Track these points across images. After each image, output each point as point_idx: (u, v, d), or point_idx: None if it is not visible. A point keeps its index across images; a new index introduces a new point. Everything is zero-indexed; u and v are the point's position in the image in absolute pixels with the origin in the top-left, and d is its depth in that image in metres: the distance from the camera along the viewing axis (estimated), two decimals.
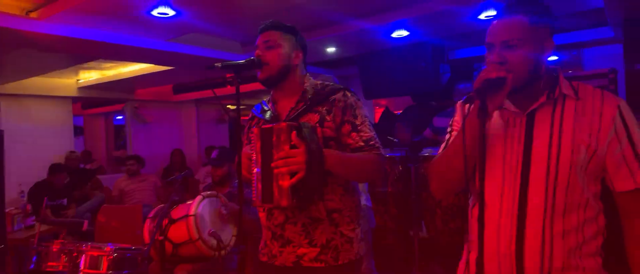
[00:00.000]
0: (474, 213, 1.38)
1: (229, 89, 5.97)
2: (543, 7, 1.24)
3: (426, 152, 3.76)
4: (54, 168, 5.36)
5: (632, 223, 1.22)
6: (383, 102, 8.15)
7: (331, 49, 4.95)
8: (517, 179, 1.24)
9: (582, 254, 1.23)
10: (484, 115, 1.13)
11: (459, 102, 1.43)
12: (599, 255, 1.26)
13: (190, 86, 7.54)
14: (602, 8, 3.33)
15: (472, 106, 1.29)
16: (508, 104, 1.29)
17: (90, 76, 6.78)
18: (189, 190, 5.83)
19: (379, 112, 7.61)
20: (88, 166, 7.61)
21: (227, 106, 8.81)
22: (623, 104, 1.22)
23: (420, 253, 3.57)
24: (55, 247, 2.53)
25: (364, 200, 2.68)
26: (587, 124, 1.20)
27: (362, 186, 2.62)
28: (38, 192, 5.07)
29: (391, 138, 3.90)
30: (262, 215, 1.82)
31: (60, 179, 5.32)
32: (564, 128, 1.21)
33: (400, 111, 5.66)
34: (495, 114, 1.32)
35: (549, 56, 1.25)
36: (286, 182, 1.50)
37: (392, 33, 4.25)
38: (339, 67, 6.40)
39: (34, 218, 4.17)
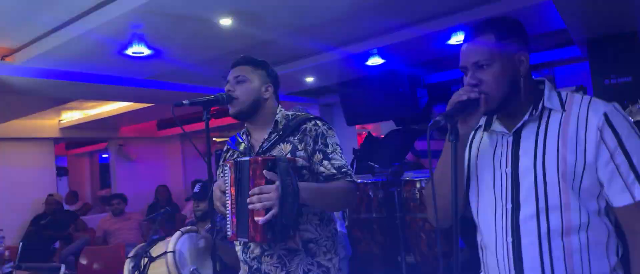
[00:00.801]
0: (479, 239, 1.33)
1: (214, 122, 5.95)
2: (509, 24, 1.22)
3: (407, 176, 3.78)
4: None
5: (634, 241, 1.12)
6: (369, 126, 8.24)
7: (310, 79, 5.04)
8: (507, 203, 1.19)
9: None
10: (455, 138, 1.09)
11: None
12: None
13: (179, 120, 7.52)
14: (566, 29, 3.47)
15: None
16: (496, 125, 1.26)
17: (72, 116, 6.77)
18: (177, 226, 5.75)
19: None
20: (72, 207, 7.50)
21: (214, 139, 8.80)
22: (611, 110, 1.12)
23: None
24: None
25: (338, 226, 2.65)
26: (572, 137, 1.13)
27: (336, 214, 2.62)
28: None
29: (372, 164, 3.93)
30: (238, 249, 1.81)
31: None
32: (547, 144, 1.15)
33: (383, 136, 5.73)
34: (485, 136, 1.30)
35: (527, 69, 1.20)
36: (261, 218, 1.50)
37: (367, 61, 4.36)
38: (321, 96, 6.50)
39: (12, 263, 4.07)
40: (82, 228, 6.50)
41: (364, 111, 5.26)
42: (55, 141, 7.19)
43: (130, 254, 2.90)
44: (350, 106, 5.35)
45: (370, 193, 3.94)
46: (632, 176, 1.09)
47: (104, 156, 10.98)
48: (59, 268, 3.27)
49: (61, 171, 9.46)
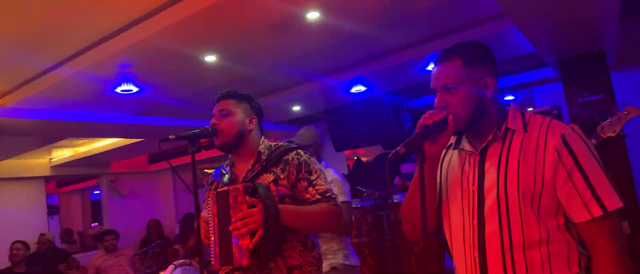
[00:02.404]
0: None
1: (205, 153, 5.99)
2: (477, 49, 1.27)
3: (395, 198, 3.86)
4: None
5: (595, 257, 1.16)
6: (360, 151, 8.32)
7: (297, 108, 5.15)
8: (474, 219, 1.24)
9: None
10: (422, 160, 1.14)
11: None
12: None
13: (166, 155, 7.56)
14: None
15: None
16: (464, 143, 1.31)
17: (63, 153, 6.78)
18: (169, 260, 5.72)
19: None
20: (70, 246, 7.41)
21: (205, 171, 8.82)
22: (568, 132, 1.17)
23: None
24: None
25: (341, 259, 2.56)
26: (531, 156, 1.17)
27: (342, 241, 2.61)
28: None
29: (361, 188, 4.00)
30: None
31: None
32: (509, 163, 1.19)
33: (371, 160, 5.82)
34: (454, 154, 1.35)
35: (494, 92, 1.25)
36: (246, 242, 1.55)
37: (351, 89, 4.49)
38: (309, 123, 6.61)
39: None
40: (74, 266, 6.42)
41: (351, 136, 5.37)
42: (46, 179, 7.17)
43: None
44: (338, 133, 5.46)
45: (359, 217, 4.00)
46: (588, 193, 1.13)
47: (96, 192, 10.92)
48: None
49: (52, 210, 9.38)
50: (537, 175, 1.16)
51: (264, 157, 1.84)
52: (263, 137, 1.93)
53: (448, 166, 1.37)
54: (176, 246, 6.29)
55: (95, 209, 10.94)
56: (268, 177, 1.78)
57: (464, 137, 1.33)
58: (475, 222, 1.23)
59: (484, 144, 1.26)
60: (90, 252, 7.44)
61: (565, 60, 3.55)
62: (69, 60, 2.96)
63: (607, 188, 1.15)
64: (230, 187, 1.63)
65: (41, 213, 6.90)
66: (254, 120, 1.90)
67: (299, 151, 1.85)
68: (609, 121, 2.51)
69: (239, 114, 1.87)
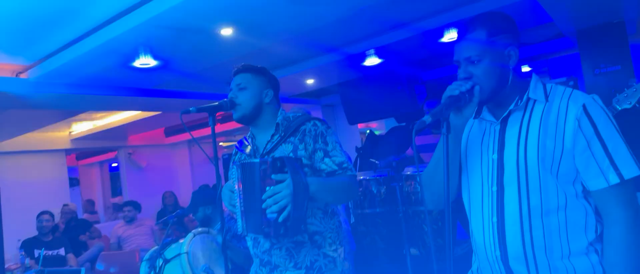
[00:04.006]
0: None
1: (219, 127, 6.08)
2: (500, 20, 1.28)
3: (408, 170, 3.90)
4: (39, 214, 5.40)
5: (608, 223, 1.19)
6: (373, 125, 8.35)
7: (310, 81, 5.17)
8: (493, 186, 1.27)
9: (570, 254, 1.21)
10: (447, 130, 1.15)
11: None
12: (595, 252, 1.22)
13: (182, 128, 7.71)
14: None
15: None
16: (485, 113, 1.33)
17: (82, 127, 6.94)
18: (186, 229, 5.89)
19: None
20: (85, 216, 7.67)
21: (220, 144, 8.96)
22: (589, 102, 1.19)
23: (413, 270, 3.64)
24: None
25: (343, 223, 2.74)
26: (552, 125, 1.20)
27: (339, 210, 2.72)
28: (28, 245, 5.12)
29: (374, 160, 4.06)
30: (249, 244, 1.95)
31: (47, 222, 5.33)
32: (530, 132, 1.22)
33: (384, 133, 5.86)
34: (475, 124, 1.38)
35: (516, 63, 1.26)
36: (275, 215, 1.61)
37: (364, 61, 4.49)
38: (322, 96, 6.64)
39: (33, 271, 4.24)
40: (96, 235, 6.67)
41: (365, 109, 5.39)
42: (67, 152, 7.37)
43: (146, 257, 3.04)
44: (351, 106, 5.48)
45: (373, 189, 4.06)
46: (606, 161, 1.16)
47: (114, 165, 11.19)
48: (80, 271, 3.44)
49: (73, 181, 9.67)
50: (557, 143, 1.18)
51: (282, 128, 1.89)
52: (281, 109, 1.98)
53: (468, 135, 1.40)
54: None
55: (114, 181, 11.24)
56: (287, 148, 1.84)
57: (484, 107, 1.35)
58: (495, 189, 1.26)
59: (505, 114, 1.28)
60: (110, 222, 7.70)
61: (583, 31, 3.49)
62: (88, 35, 3.02)
63: (625, 156, 1.16)
64: (260, 161, 1.66)
65: (63, 185, 7.13)
66: (270, 92, 1.94)
67: (316, 121, 1.89)
68: (625, 93, 2.49)
69: (256, 87, 1.92)
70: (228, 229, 2.85)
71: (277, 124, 1.90)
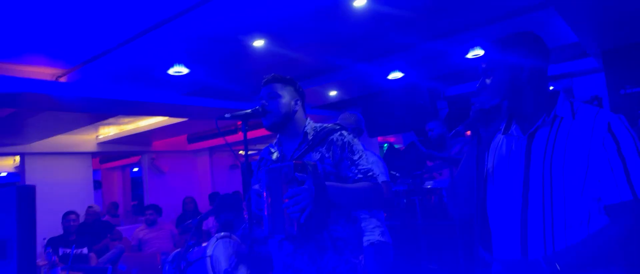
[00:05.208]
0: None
1: (239, 136, 6.18)
2: (519, 37, 1.33)
3: (428, 184, 3.92)
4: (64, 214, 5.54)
5: (611, 224, 1.22)
6: (391, 139, 8.36)
7: (333, 93, 5.25)
8: (518, 199, 1.29)
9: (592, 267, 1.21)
10: (478, 141, 1.21)
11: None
12: (616, 266, 1.23)
13: (204, 135, 7.86)
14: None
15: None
16: (514, 128, 1.36)
17: (109, 131, 7.14)
18: (203, 235, 5.98)
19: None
20: (106, 218, 7.84)
21: (239, 152, 9.10)
22: (615, 121, 1.22)
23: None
24: None
25: (379, 236, 2.67)
26: (578, 142, 1.23)
27: (379, 219, 2.72)
28: (54, 243, 5.26)
29: (394, 173, 4.09)
30: (273, 247, 2.00)
31: (74, 222, 5.46)
32: (556, 147, 1.24)
33: (403, 147, 5.88)
34: (503, 139, 1.39)
35: (530, 79, 1.30)
36: (296, 216, 1.69)
37: (388, 75, 4.54)
38: (343, 109, 6.70)
39: (59, 268, 4.36)
40: (117, 237, 6.81)
41: (386, 123, 5.42)
42: (93, 155, 7.55)
43: (169, 259, 3.11)
44: (372, 119, 5.52)
45: (392, 201, 4.08)
46: (623, 178, 1.18)
47: (135, 170, 11.42)
48: (107, 269, 3.56)
49: (95, 184, 9.90)
50: (582, 159, 1.21)
51: (310, 137, 1.95)
52: (308, 119, 2.04)
53: (496, 149, 1.43)
54: (211, 220, 6.56)
55: (134, 186, 11.47)
56: (314, 156, 1.89)
57: (512, 122, 1.39)
58: (520, 202, 1.29)
59: (532, 129, 1.31)
60: (131, 225, 7.84)
61: (609, 51, 3.50)
62: (126, 43, 3.16)
63: None
64: (283, 165, 1.73)
65: (88, 187, 7.30)
66: (299, 102, 1.99)
67: (343, 132, 1.94)
68: None
69: (286, 96, 1.97)
70: (248, 235, 2.90)
71: (305, 133, 1.96)
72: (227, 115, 1.88)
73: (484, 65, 1.33)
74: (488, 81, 1.31)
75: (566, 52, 4.52)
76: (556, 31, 3.70)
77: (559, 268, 1.16)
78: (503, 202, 1.35)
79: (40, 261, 4.28)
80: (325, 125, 2.03)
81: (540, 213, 1.26)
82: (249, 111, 1.92)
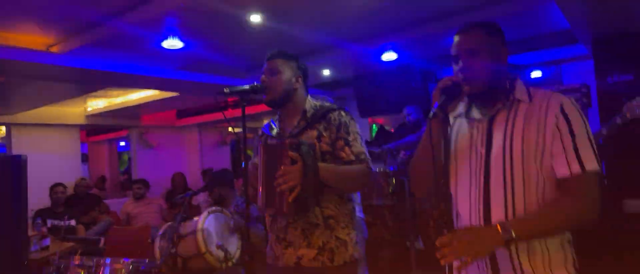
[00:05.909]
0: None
1: (231, 112, 6.13)
2: (494, 25, 1.43)
3: None
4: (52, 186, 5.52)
5: (562, 196, 1.33)
6: (380, 120, 8.42)
7: (326, 72, 5.25)
8: (480, 177, 1.39)
9: (545, 241, 1.34)
10: (446, 120, 1.33)
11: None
12: (568, 243, 1.37)
13: (194, 111, 7.82)
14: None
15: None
16: (474, 112, 1.46)
17: (97, 104, 7.05)
18: (192, 211, 6.00)
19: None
20: (95, 191, 7.82)
21: (230, 129, 9.09)
22: (566, 102, 1.34)
23: (417, 263, 3.73)
24: (75, 261, 2.72)
25: (357, 211, 2.83)
26: (535, 123, 1.33)
27: (355, 198, 2.82)
28: (42, 215, 5.25)
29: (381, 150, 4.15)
30: (268, 220, 2.05)
31: (62, 194, 5.45)
32: (515, 128, 1.35)
33: (393, 129, 5.94)
34: (464, 122, 1.49)
35: (505, 66, 1.40)
36: (286, 194, 1.72)
37: (381, 55, 4.56)
38: (335, 89, 6.71)
39: (49, 239, 4.37)
40: (105, 210, 6.81)
41: (377, 103, 5.45)
42: (81, 127, 7.47)
43: (160, 233, 3.13)
44: (364, 99, 5.55)
45: (381, 181, 4.16)
46: (573, 154, 1.30)
47: (122, 144, 11.33)
48: (99, 241, 3.58)
49: (82, 157, 9.82)
50: (539, 138, 1.33)
51: (309, 115, 1.97)
52: (309, 96, 2.06)
53: (457, 132, 1.52)
54: (202, 195, 6.59)
55: (122, 160, 11.40)
56: (312, 134, 1.92)
57: (472, 106, 1.49)
58: (482, 179, 1.39)
59: (492, 112, 1.41)
60: (117, 199, 7.84)
61: (600, 39, 3.55)
62: (119, 14, 3.11)
63: (590, 153, 1.31)
64: (278, 143, 1.76)
65: (76, 159, 7.24)
66: (300, 79, 2.01)
67: (342, 111, 1.97)
68: (636, 102, 2.55)
69: (287, 72, 1.98)
70: (243, 210, 2.93)
71: (304, 111, 1.98)
72: (226, 90, 1.89)
73: (469, 47, 1.39)
74: (473, 62, 1.38)
75: (556, 38, 4.57)
76: (547, 17, 3.74)
77: (514, 234, 1.25)
78: (466, 179, 1.45)
79: (30, 232, 4.28)
80: (324, 103, 2.05)
81: (502, 187, 1.35)
82: (248, 87, 1.93)
